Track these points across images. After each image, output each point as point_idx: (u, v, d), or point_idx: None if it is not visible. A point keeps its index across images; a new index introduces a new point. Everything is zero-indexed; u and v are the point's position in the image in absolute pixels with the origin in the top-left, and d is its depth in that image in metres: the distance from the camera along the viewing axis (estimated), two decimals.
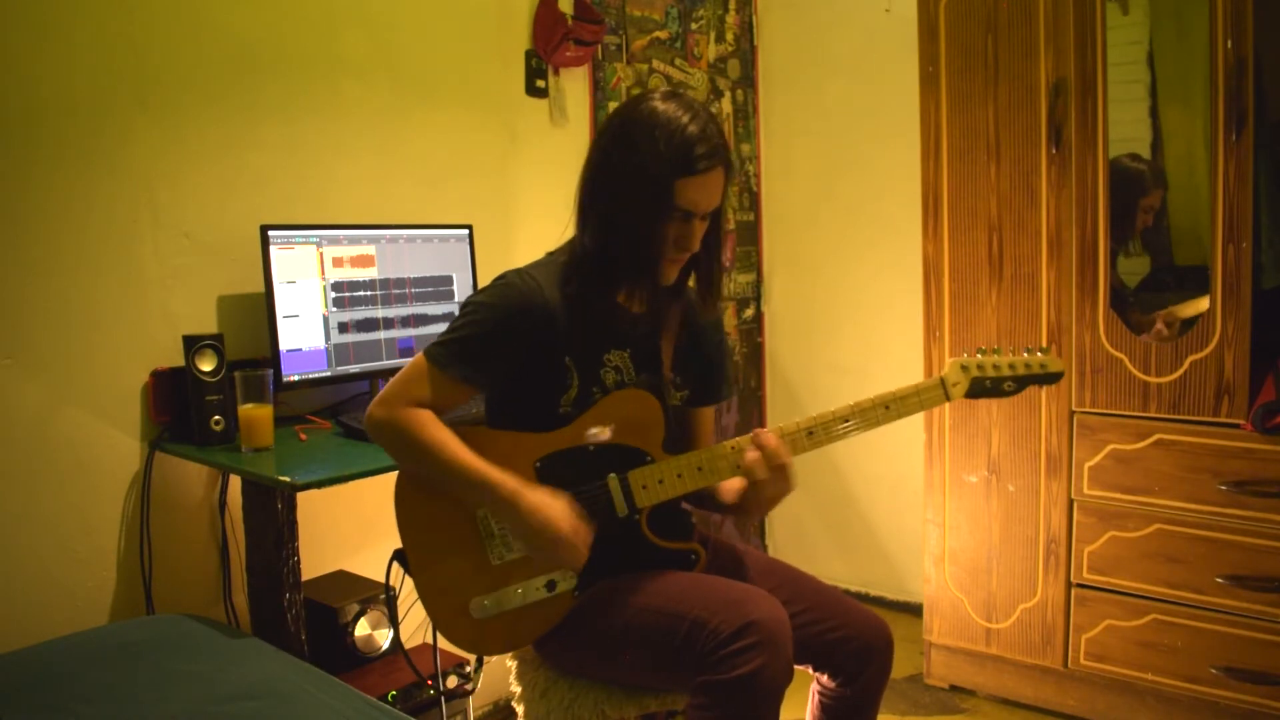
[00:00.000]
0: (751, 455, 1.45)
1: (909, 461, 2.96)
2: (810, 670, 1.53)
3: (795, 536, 3.52)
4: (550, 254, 1.56)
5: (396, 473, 1.52)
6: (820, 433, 1.49)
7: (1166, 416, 2.21)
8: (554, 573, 1.48)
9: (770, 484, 1.45)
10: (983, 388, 1.52)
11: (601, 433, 1.48)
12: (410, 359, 1.49)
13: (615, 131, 1.46)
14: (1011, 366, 1.53)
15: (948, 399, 1.51)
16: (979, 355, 1.53)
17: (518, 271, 1.49)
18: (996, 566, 2.50)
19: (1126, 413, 2.26)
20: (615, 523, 1.50)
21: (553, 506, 1.39)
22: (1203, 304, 2.15)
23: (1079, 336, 2.31)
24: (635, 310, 1.53)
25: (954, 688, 2.64)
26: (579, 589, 1.49)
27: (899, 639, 1.57)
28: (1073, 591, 2.37)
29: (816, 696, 1.55)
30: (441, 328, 2.01)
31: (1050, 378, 1.54)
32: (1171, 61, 2.30)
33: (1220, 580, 2.15)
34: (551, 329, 1.46)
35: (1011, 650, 2.50)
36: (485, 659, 2.04)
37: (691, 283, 1.59)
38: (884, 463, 3.22)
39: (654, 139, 1.39)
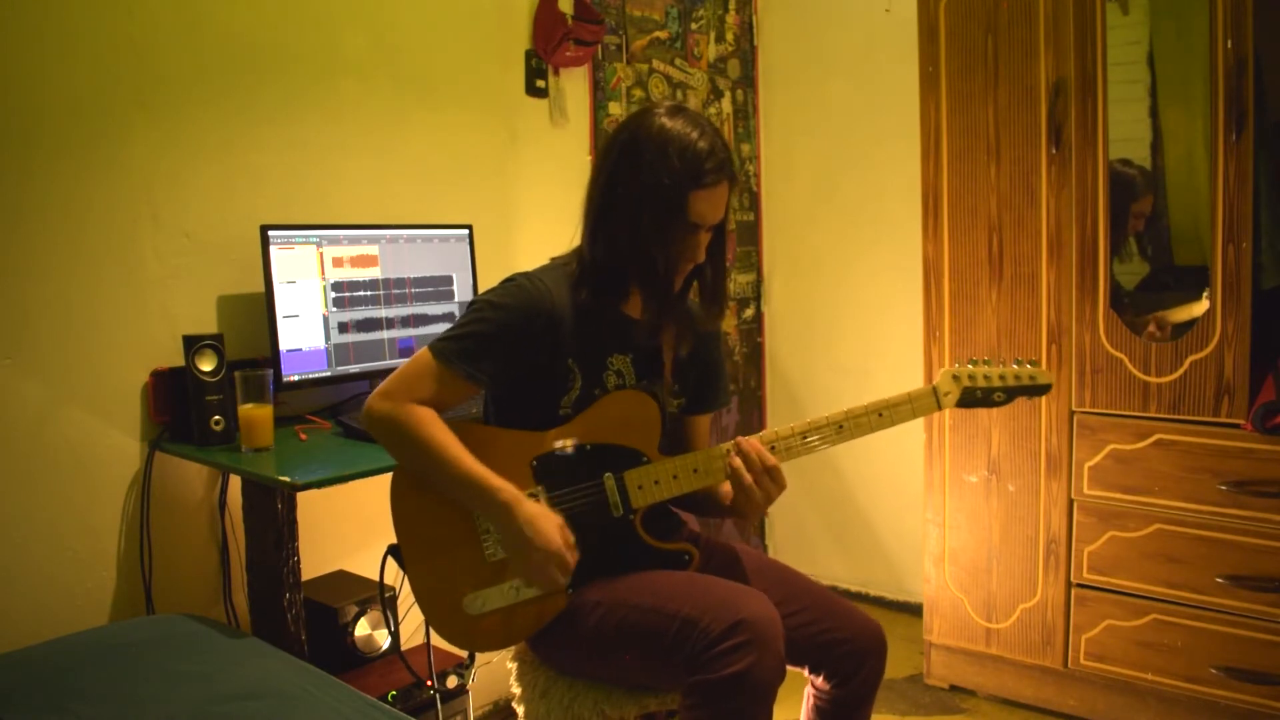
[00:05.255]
0: (735, 462, 1.47)
1: (909, 461, 2.96)
2: (805, 672, 1.54)
3: (795, 536, 3.52)
4: (555, 260, 1.58)
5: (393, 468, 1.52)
6: (815, 438, 1.52)
7: (1166, 416, 2.21)
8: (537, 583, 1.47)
9: (759, 487, 1.46)
10: (974, 398, 1.55)
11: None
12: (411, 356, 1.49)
13: (624, 147, 1.48)
14: (1002, 378, 1.56)
15: (939, 408, 1.54)
16: (970, 365, 1.56)
17: (526, 275, 1.51)
18: (996, 566, 2.50)
19: (1126, 413, 2.26)
20: (610, 522, 1.50)
21: (549, 520, 1.40)
22: (1202, 304, 2.15)
23: (1079, 336, 2.31)
24: (638, 318, 1.55)
25: (954, 688, 2.64)
26: (572, 587, 1.49)
27: (899, 639, 1.58)
28: (1073, 591, 2.37)
29: (811, 699, 1.55)
30: (441, 328, 2.02)
31: (1038, 389, 1.58)
32: (1171, 61, 2.30)
33: (1220, 580, 2.15)
34: (557, 332, 1.48)
35: (1011, 650, 2.50)
36: (480, 658, 2.04)
37: (694, 293, 1.61)
38: (884, 463, 3.22)
39: (666, 153, 1.42)
